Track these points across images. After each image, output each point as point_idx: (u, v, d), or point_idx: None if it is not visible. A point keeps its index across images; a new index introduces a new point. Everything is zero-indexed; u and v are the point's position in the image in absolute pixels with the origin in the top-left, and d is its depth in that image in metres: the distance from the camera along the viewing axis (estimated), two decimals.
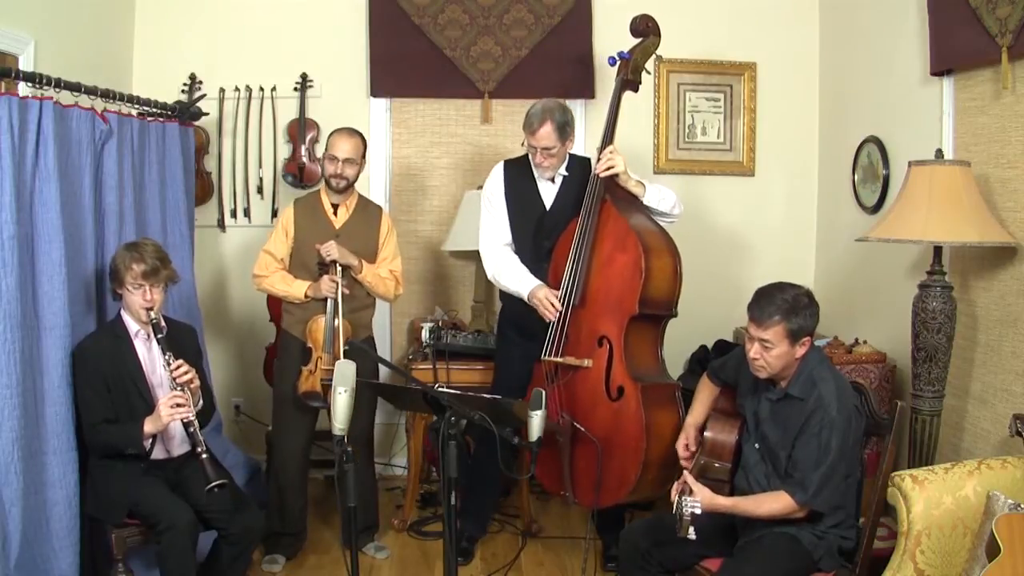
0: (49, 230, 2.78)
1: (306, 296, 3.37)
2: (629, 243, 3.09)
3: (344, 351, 3.28)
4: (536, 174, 3.40)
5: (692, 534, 2.34)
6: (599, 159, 3.21)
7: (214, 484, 2.74)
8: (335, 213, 3.46)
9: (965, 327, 3.18)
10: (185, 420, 2.79)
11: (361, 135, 3.45)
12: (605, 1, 4.35)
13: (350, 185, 3.44)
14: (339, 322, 3.31)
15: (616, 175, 3.19)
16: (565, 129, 3.25)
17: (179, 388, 2.80)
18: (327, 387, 3.31)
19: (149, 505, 2.78)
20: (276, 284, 3.42)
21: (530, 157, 3.36)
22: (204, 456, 2.78)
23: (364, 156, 3.46)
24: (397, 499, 4.16)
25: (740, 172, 4.54)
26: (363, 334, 3.50)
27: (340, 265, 3.33)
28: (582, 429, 3.10)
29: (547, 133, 3.22)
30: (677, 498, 2.40)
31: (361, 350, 3.04)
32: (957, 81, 3.30)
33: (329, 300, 3.33)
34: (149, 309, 2.87)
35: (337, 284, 3.31)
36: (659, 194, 3.26)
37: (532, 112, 3.26)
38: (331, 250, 3.31)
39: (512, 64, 4.35)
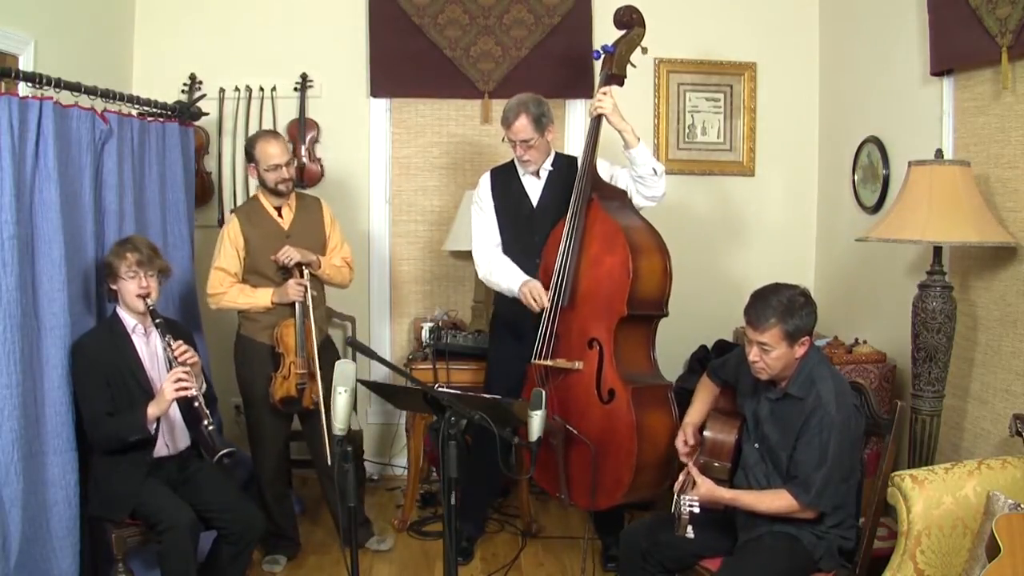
0: (49, 230, 2.78)
1: (272, 303, 3.35)
2: (617, 244, 3.08)
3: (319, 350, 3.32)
4: (521, 171, 3.41)
5: (690, 533, 2.35)
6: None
7: (223, 452, 2.77)
8: (280, 215, 3.44)
9: (965, 327, 3.18)
10: (190, 396, 2.80)
11: (279, 133, 3.44)
12: (605, 1, 4.35)
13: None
14: (311, 324, 3.31)
15: (604, 115, 3.19)
16: (541, 120, 3.26)
17: (179, 364, 2.83)
18: (303, 390, 3.32)
19: (150, 505, 2.79)
20: (236, 298, 3.37)
21: (513, 153, 3.36)
22: (211, 428, 2.81)
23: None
24: (397, 499, 4.16)
25: (740, 172, 4.54)
26: (324, 331, 3.52)
27: (302, 266, 3.32)
28: (574, 432, 3.09)
29: (523, 125, 3.24)
30: (676, 497, 2.40)
31: (363, 349, 3.03)
32: (957, 81, 3.30)
33: (297, 303, 3.31)
34: (145, 297, 2.88)
35: (306, 288, 3.30)
36: (647, 154, 3.23)
37: (508, 106, 3.28)
38: (290, 254, 3.29)
39: (512, 64, 4.35)
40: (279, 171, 3.33)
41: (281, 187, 3.36)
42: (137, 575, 2.97)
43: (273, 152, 3.32)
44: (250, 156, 3.37)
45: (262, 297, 3.35)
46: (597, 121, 3.24)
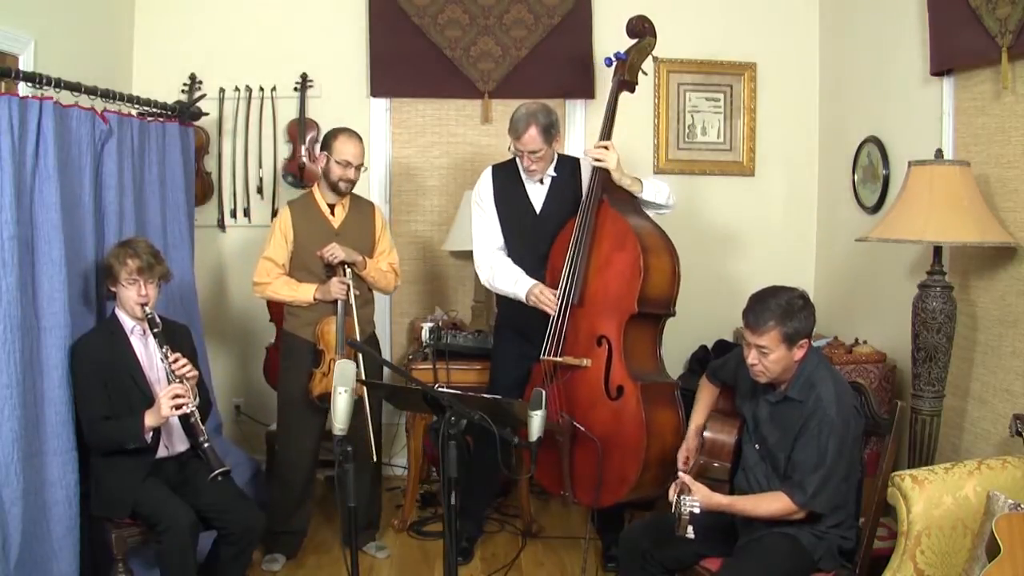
0: (49, 230, 2.78)
1: (315, 299, 3.36)
2: (628, 243, 3.10)
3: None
4: (524, 177, 3.40)
5: (690, 533, 2.34)
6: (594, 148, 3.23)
7: (218, 472, 2.78)
8: (332, 213, 3.45)
9: (965, 327, 3.18)
10: (186, 412, 2.80)
11: (363, 140, 3.44)
12: (605, 1, 4.35)
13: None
14: (354, 323, 3.32)
15: (605, 169, 3.19)
16: (550, 131, 3.25)
17: (177, 380, 2.82)
18: None
19: (149, 505, 2.79)
20: (280, 290, 3.40)
21: (518, 161, 3.36)
22: (207, 445, 2.81)
23: None
24: (397, 499, 4.16)
25: (740, 172, 4.54)
26: (368, 331, 3.51)
27: (347, 265, 3.33)
28: (582, 429, 3.11)
29: (532, 137, 3.22)
30: (676, 497, 2.40)
31: (362, 350, 3.04)
32: (957, 81, 3.30)
33: (339, 301, 3.33)
34: (144, 304, 2.89)
35: (348, 286, 3.31)
36: (655, 188, 3.28)
37: (516, 117, 3.26)
38: (336, 252, 3.31)
39: (512, 64, 4.35)
40: (347, 169, 3.35)
41: (342, 185, 3.38)
42: (137, 575, 2.96)
43: (350, 151, 3.34)
44: (326, 145, 3.40)
45: (305, 292, 3.36)
46: (611, 120, 3.26)
